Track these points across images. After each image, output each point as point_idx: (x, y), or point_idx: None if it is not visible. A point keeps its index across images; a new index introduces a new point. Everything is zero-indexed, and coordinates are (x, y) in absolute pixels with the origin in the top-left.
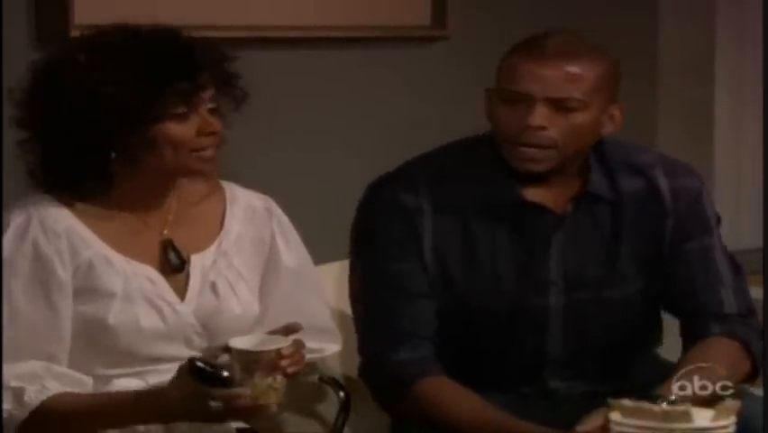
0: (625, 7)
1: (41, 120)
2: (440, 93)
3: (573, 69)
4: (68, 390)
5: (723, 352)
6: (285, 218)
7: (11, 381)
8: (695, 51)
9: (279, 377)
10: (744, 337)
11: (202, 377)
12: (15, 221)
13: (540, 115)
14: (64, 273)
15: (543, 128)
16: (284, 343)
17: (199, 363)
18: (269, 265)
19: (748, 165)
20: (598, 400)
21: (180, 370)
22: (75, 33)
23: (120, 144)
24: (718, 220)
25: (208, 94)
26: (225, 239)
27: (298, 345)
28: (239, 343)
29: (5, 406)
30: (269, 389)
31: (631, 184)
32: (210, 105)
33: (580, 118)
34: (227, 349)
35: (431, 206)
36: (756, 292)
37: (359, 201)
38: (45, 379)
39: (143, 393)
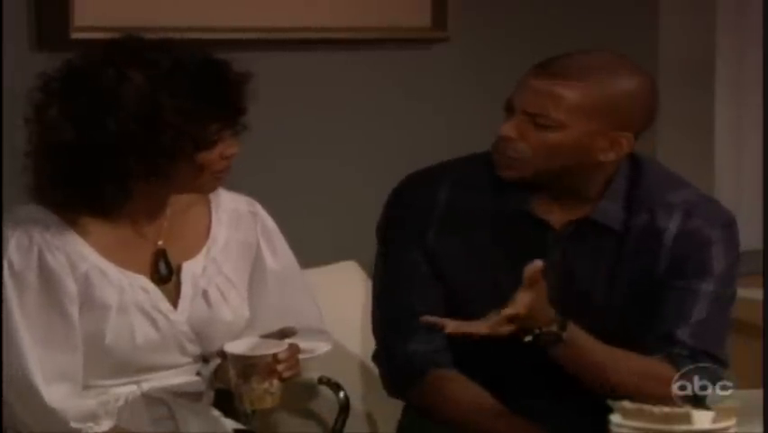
0: (625, 13)
1: (73, 134)
2: (440, 94)
3: (559, 89)
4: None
5: (640, 364)
6: (270, 222)
7: (70, 422)
8: (696, 56)
9: (276, 381)
10: (680, 368)
11: None
12: (15, 235)
13: (510, 126)
14: (71, 284)
15: (510, 139)
16: (280, 347)
17: None
18: (255, 269)
19: (748, 168)
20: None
21: None
22: (75, 36)
23: (169, 169)
24: (734, 264)
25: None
26: (213, 246)
27: (294, 350)
28: (234, 347)
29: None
30: (265, 393)
31: (640, 219)
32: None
33: (553, 136)
34: (222, 354)
35: (445, 206)
36: (756, 293)
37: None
38: (100, 417)
39: None
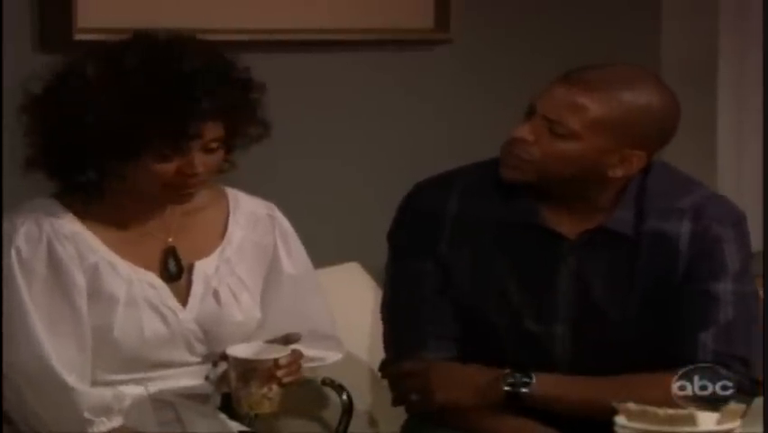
0: (627, 16)
1: (46, 123)
2: (442, 96)
3: (581, 99)
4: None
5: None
6: (287, 225)
7: (84, 412)
8: (697, 58)
9: (275, 387)
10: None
11: None
12: (25, 225)
13: (527, 128)
14: (80, 276)
15: (523, 140)
16: (282, 353)
17: None
18: (271, 273)
19: (750, 170)
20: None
21: None
22: (78, 37)
23: (119, 170)
24: (748, 260)
25: (208, 137)
26: (228, 246)
27: (296, 356)
28: (236, 351)
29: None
30: (263, 398)
31: (653, 226)
32: (212, 145)
33: (565, 146)
34: (224, 357)
35: (456, 214)
36: None
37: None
38: (113, 412)
39: None
